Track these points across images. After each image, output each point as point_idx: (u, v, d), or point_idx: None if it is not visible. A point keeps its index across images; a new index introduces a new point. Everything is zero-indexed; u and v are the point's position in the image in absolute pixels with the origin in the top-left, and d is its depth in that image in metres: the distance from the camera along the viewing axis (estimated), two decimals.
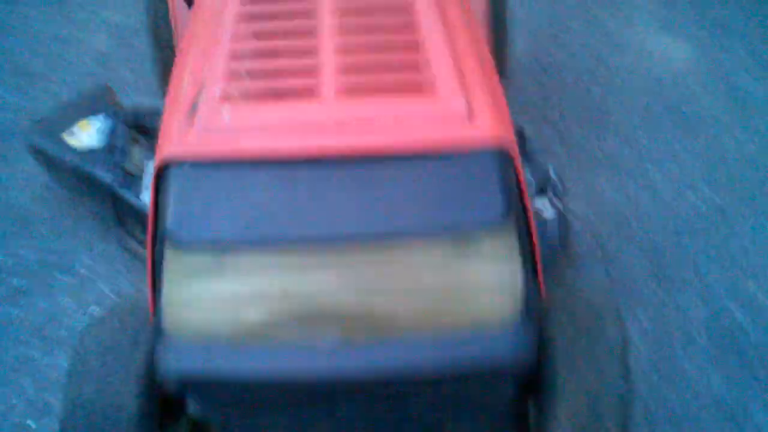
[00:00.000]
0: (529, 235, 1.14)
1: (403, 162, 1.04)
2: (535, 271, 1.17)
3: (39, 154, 2.08)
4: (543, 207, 1.79)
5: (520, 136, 1.90)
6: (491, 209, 1.02)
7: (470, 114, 1.07)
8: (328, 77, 1.12)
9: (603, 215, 2.19)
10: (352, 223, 1.02)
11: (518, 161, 1.10)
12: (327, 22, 1.23)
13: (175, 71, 1.27)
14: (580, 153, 2.38)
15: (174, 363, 1.08)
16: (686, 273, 2.02)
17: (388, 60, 1.17)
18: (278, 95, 1.13)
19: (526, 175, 1.74)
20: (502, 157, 1.05)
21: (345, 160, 1.04)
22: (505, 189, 1.03)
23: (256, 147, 1.05)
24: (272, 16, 1.29)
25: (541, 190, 1.82)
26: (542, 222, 1.73)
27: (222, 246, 1.03)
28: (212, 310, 1.07)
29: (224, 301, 1.06)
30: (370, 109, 1.09)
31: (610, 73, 2.69)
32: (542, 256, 1.75)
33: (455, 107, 1.08)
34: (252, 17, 1.28)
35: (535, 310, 1.12)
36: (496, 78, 1.24)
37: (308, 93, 1.11)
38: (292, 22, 1.27)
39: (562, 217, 1.79)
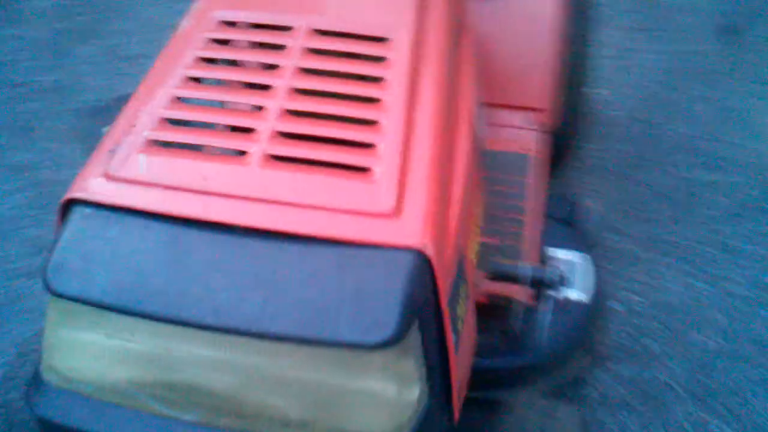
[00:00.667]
0: (442, 347, 0.99)
1: (308, 249, 0.94)
2: (445, 385, 1.02)
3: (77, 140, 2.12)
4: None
5: (571, 209, 1.70)
6: (391, 319, 0.89)
7: (397, 209, 0.96)
8: (263, 142, 1.04)
9: (656, 312, 1.92)
10: (238, 303, 0.93)
11: (443, 265, 0.96)
12: (287, 80, 1.14)
13: (124, 106, 1.22)
14: (651, 236, 2.12)
15: (37, 405, 1.04)
16: (732, 402, 1.74)
17: (333, 133, 1.07)
18: (206, 152, 1.05)
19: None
20: (417, 262, 0.92)
21: (248, 235, 0.95)
22: (411, 299, 0.90)
23: (158, 204, 0.98)
24: (232, 63, 1.21)
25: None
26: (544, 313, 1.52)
27: (100, 300, 0.96)
28: (84, 362, 1.03)
29: (96, 356, 1.02)
30: (289, 185, 1.00)
31: (714, 149, 2.39)
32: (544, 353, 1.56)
33: (381, 199, 0.97)
34: (211, 63, 1.21)
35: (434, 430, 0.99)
36: (457, 166, 1.11)
37: (236, 155, 1.03)
38: (250, 74, 1.19)
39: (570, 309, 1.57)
